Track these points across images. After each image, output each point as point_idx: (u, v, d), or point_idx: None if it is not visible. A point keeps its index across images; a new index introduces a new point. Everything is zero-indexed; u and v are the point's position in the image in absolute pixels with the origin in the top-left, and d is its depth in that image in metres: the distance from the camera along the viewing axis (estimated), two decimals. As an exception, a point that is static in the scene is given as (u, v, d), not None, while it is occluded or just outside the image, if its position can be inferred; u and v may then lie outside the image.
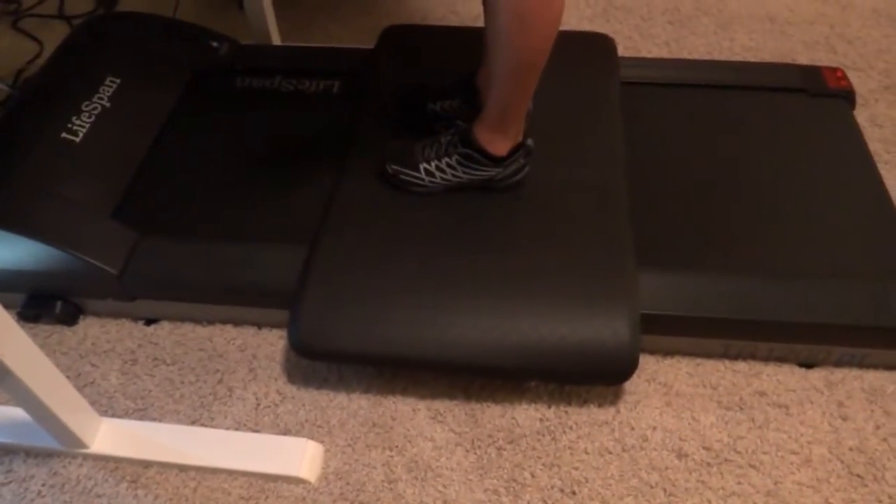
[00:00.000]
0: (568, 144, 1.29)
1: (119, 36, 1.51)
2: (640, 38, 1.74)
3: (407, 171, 1.19)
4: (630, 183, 1.24)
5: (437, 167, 1.17)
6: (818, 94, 1.42)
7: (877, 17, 1.78)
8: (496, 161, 1.15)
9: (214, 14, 1.85)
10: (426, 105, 1.29)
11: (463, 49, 1.30)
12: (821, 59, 1.67)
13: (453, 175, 1.18)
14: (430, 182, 1.19)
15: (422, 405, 1.12)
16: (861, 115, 1.47)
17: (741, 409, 1.11)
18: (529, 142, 1.15)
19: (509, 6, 0.94)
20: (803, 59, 1.66)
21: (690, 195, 1.27)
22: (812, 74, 1.45)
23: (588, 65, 1.44)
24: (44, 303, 1.21)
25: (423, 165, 1.18)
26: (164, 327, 1.23)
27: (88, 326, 1.24)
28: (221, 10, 1.86)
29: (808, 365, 1.15)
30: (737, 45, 1.72)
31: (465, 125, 1.15)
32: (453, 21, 1.80)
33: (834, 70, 1.46)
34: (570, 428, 1.09)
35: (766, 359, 1.16)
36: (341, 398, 1.13)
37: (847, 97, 1.42)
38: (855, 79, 1.52)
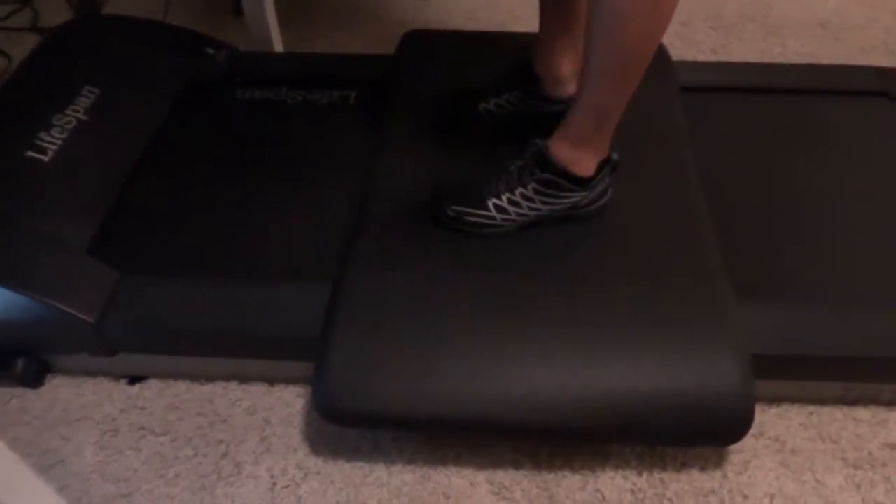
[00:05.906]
0: (634, 159, 1.13)
1: (100, 40, 1.42)
2: (682, 45, 1.66)
3: (473, 210, 1.04)
4: (706, 200, 1.10)
5: (510, 200, 1.02)
6: (902, 98, 1.32)
7: (931, 19, 1.71)
8: (582, 183, 1.00)
9: (208, 22, 1.76)
10: (478, 107, 1.16)
11: (498, 53, 1.19)
12: (881, 63, 1.57)
13: (530, 207, 1.03)
14: (504, 220, 1.04)
15: (481, 478, 0.98)
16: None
17: (872, 466, 0.98)
18: (615, 155, 1.01)
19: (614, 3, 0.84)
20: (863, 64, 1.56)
21: (778, 213, 1.14)
22: (892, 77, 1.34)
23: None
24: (3, 360, 1.07)
25: (491, 201, 1.03)
26: (153, 387, 1.11)
27: (58, 388, 1.11)
28: (215, 18, 1.77)
29: (944, 410, 1.02)
30: (789, 52, 1.64)
31: (539, 144, 1.00)
32: (474, 29, 1.69)
33: (914, 72, 1.36)
34: (670, 500, 0.96)
35: (891, 403, 1.03)
36: (379, 472, 0.99)
37: (928, 100, 1.32)
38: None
